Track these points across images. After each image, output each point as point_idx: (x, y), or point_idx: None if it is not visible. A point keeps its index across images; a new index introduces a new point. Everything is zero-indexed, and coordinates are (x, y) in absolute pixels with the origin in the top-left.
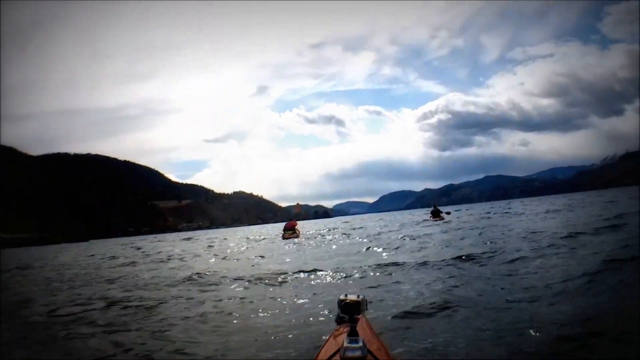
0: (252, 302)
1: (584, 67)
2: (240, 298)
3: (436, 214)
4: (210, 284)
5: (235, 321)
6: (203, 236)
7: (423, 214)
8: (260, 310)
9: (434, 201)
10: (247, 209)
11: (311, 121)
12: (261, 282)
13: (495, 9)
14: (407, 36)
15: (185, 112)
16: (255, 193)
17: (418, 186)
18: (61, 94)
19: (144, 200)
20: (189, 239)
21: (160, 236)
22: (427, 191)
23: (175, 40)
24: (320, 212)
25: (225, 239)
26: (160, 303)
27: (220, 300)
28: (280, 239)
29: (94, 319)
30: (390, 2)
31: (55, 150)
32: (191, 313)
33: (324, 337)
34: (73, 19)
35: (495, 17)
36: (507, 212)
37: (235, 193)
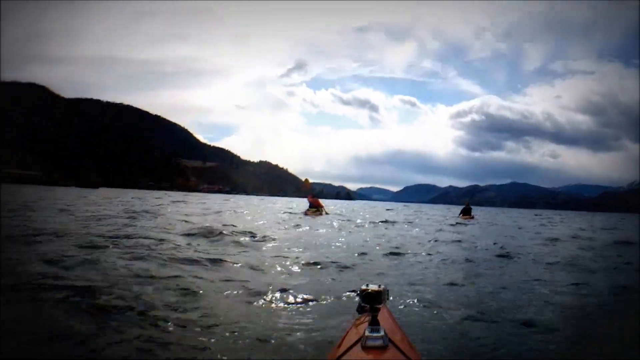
0: None
1: (623, 90)
2: None
3: (467, 212)
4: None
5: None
6: (218, 201)
7: (454, 213)
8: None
9: (467, 199)
10: (270, 180)
11: (345, 103)
12: None
13: (542, 19)
14: (450, 33)
15: (221, 75)
16: (280, 165)
17: (443, 182)
18: (101, 42)
19: (168, 156)
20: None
21: (173, 194)
22: (452, 188)
23: (216, 4)
24: (342, 194)
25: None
26: None
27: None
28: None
29: None
30: None
31: (88, 96)
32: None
33: (344, 326)
34: None
35: (541, 27)
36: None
37: (260, 162)
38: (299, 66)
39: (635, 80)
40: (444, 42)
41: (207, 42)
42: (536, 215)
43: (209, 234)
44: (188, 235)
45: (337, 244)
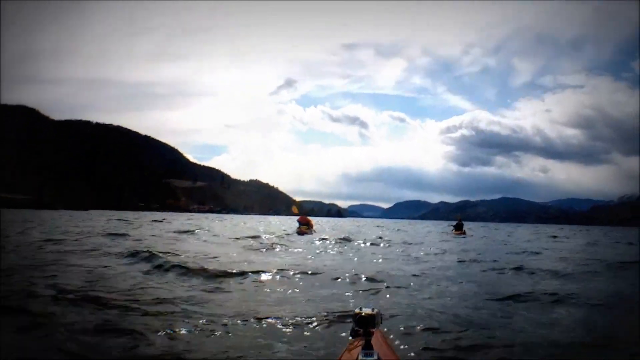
0: None
1: (613, 103)
2: None
3: (459, 228)
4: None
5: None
6: (202, 221)
7: (446, 226)
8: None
9: (458, 214)
10: (261, 198)
11: (335, 120)
12: None
13: (531, 34)
14: (440, 49)
15: (211, 96)
16: (271, 184)
17: (433, 198)
18: (92, 63)
19: (159, 177)
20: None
21: (158, 215)
22: (442, 204)
23: (210, 26)
24: (333, 211)
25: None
26: None
27: None
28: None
29: None
30: (427, 13)
31: (78, 118)
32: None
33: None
34: None
35: (530, 41)
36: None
37: (251, 181)
38: (288, 84)
39: (625, 94)
40: (433, 58)
41: (197, 62)
42: (551, 232)
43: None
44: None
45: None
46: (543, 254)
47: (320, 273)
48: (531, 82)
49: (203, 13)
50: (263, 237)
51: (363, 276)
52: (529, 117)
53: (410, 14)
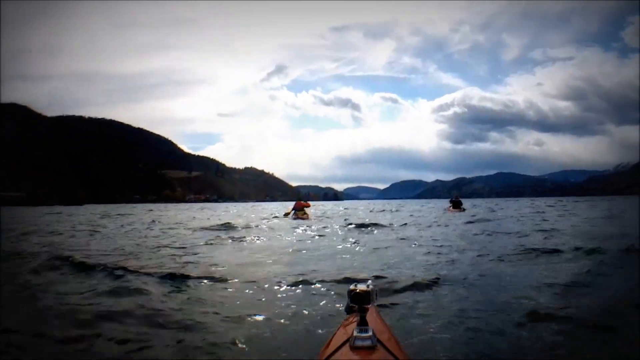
0: None
1: (603, 74)
2: None
3: (457, 205)
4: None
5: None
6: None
7: (446, 206)
8: None
9: (455, 192)
10: (257, 185)
11: (327, 103)
12: None
13: (518, 9)
14: (429, 28)
15: (203, 84)
16: (266, 170)
17: (429, 177)
18: (81, 58)
19: (154, 168)
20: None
21: (156, 205)
22: (439, 182)
23: (197, 14)
24: (330, 195)
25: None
26: None
27: None
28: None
29: None
30: None
31: (70, 113)
32: None
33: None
34: None
35: (518, 16)
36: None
37: (246, 168)
38: (279, 70)
39: (615, 64)
40: (423, 38)
41: (188, 52)
42: (549, 206)
43: None
44: None
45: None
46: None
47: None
48: (521, 57)
49: (189, 4)
50: (237, 227)
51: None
52: (521, 91)
53: None
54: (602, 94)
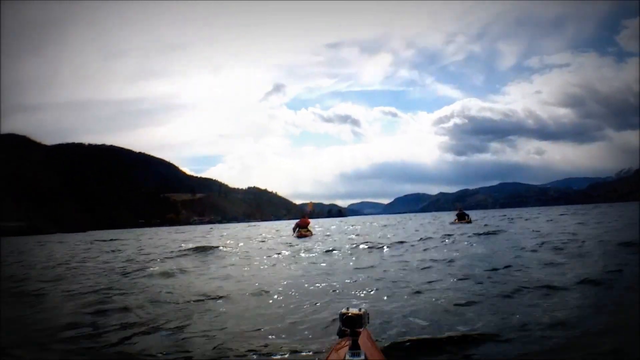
0: None
1: (600, 79)
2: None
3: (462, 217)
4: None
5: None
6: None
7: (452, 219)
8: None
9: (459, 204)
10: (260, 205)
11: (327, 120)
12: None
13: (512, 17)
14: (423, 40)
15: (200, 108)
16: (269, 189)
17: (432, 190)
18: (76, 86)
19: (156, 192)
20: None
21: (152, 230)
22: (442, 195)
23: (188, 40)
24: (334, 211)
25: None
26: None
27: None
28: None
29: None
30: (404, 5)
31: (70, 141)
32: None
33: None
34: (85, 19)
35: (512, 25)
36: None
37: (249, 188)
38: (277, 89)
39: (612, 69)
40: (418, 50)
41: (183, 76)
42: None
43: None
44: None
45: None
46: None
47: None
48: (518, 65)
49: (178, 30)
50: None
51: None
52: (519, 100)
53: (389, 7)
54: (600, 100)
